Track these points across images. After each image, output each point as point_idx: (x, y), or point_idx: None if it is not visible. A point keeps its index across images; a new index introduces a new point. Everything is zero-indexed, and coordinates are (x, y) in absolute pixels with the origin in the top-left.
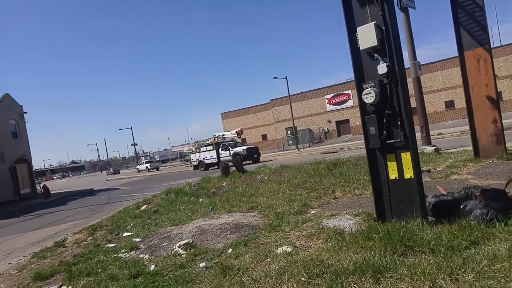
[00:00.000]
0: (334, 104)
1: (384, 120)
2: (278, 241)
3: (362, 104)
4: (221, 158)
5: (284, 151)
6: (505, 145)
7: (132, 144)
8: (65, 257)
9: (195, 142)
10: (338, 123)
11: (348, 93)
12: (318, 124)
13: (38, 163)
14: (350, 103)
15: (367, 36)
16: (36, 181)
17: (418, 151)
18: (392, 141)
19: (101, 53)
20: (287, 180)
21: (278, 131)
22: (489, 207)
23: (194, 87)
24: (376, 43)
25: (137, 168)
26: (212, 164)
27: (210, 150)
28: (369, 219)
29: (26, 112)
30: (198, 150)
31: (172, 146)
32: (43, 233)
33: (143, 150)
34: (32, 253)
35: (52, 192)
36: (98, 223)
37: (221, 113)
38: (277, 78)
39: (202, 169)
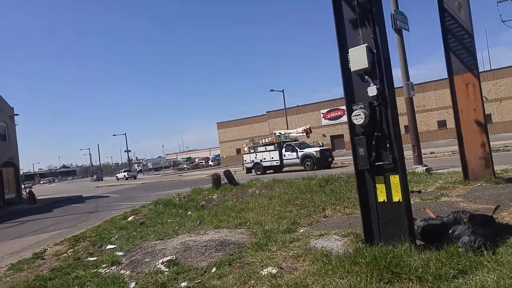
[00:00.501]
0: (329, 119)
1: (373, 142)
2: (264, 261)
3: (351, 125)
4: (285, 161)
5: None
6: (493, 168)
7: (125, 151)
8: (42, 270)
9: (249, 141)
10: (332, 137)
11: (343, 109)
12: (313, 138)
13: (27, 166)
14: (344, 118)
15: (358, 58)
16: (23, 186)
17: (410, 170)
18: (381, 163)
19: (97, 56)
20: (277, 196)
21: None
22: (477, 234)
23: (190, 96)
24: (367, 66)
25: (116, 176)
26: (272, 167)
27: (271, 150)
28: (357, 240)
29: (17, 114)
30: (254, 150)
31: (166, 154)
32: (23, 242)
33: (136, 157)
34: (9, 265)
35: (39, 198)
36: (82, 233)
37: (217, 123)
38: (274, 90)
39: (259, 172)
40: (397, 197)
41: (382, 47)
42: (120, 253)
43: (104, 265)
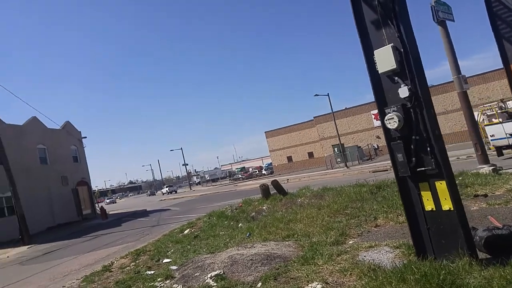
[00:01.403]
0: None
1: (412, 146)
2: (309, 276)
3: (386, 130)
4: None
5: (332, 169)
6: None
7: (183, 164)
8: (109, 282)
9: (498, 102)
10: None
11: None
12: (366, 140)
13: (100, 184)
14: None
15: (385, 59)
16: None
17: (474, 171)
18: (423, 168)
19: (154, 76)
20: (326, 205)
21: (325, 148)
22: None
23: (239, 107)
24: (395, 66)
25: (161, 192)
26: None
27: None
28: (409, 253)
29: (85, 137)
30: (506, 118)
31: (221, 165)
32: (96, 255)
33: (195, 170)
34: (84, 277)
35: (110, 213)
36: (143, 247)
37: (265, 132)
38: (318, 95)
39: None
40: (446, 205)
41: (410, 45)
42: (174, 267)
43: (159, 279)
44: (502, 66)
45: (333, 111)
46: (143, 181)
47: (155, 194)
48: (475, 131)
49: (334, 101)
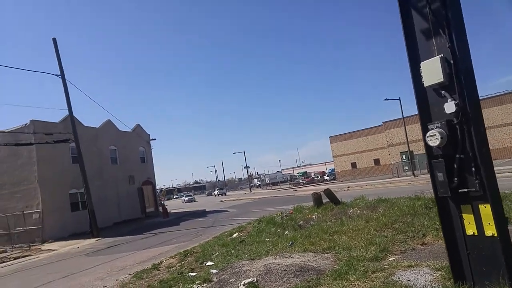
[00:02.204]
0: None
1: (455, 165)
2: None
3: (428, 147)
4: None
5: (398, 177)
6: None
7: (244, 167)
8: (155, 280)
9: None
10: None
11: None
12: None
13: (167, 183)
14: None
15: (432, 71)
16: (162, 200)
17: None
18: (466, 190)
19: (201, 80)
20: (375, 218)
21: (392, 155)
22: None
23: (304, 111)
24: (442, 79)
25: (214, 194)
26: None
27: None
28: (450, 277)
29: (154, 139)
30: None
31: (283, 169)
32: (150, 253)
33: (257, 172)
34: (135, 273)
35: (172, 211)
36: (192, 248)
37: (329, 137)
38: (388, 99)
39: None
40: (490, 230)
41: (462, 56)
42: (214, 271)
43: (198, 282)
44: None
45: (405, 116)
46: (208, 181)
47: (212, 195)
48: None
49: (407, 106)
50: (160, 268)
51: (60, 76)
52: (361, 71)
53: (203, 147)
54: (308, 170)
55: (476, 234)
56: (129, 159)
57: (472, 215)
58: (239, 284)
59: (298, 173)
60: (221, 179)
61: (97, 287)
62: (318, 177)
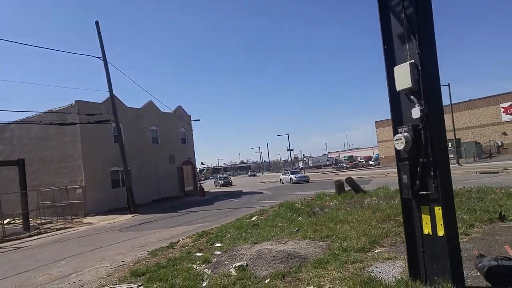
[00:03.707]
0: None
1: (418, 168)
2: (311, 279)
3: (396, 149)
4: None
5: None
6: None
7: (287, 150)
8: (165, 258)
9: None
10: None
11: None
12: (489, 136)
13: (214, 162)
14: None
15: (403, 76)
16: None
17: None
18: (425, 192)
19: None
20: (382, 209)
21: None
22: None
23: (355, 92)
24: (411, 85)
25: (248, 175)
26: None
27: None
28: None
29: (198, 120)
30: None
31: (329, 152)
32: (175, 231)
33: (303, 154)
34: (153, 250)
35: (212, 191)
36: (210, 230)
37: (375, 122)
38: None
39: None
40: (441, 231)
41: (428, 64)
42: (218, 253)
43: (198, 262)
44: None
45: (454, 102)
46: (254, 161)
47: (255, 175)
48: None
49: (459, 91)
50: (175, 247)
51: (102, 59)
52: None
53: (252, 128)
54: (355, 154)
55: (431, 233)
56: (170, 140)
57: (429, 216)
58: (231, 267)
59: (344, 157)
60: (266, 160)
61: (116, 261)
62: (362, 161)
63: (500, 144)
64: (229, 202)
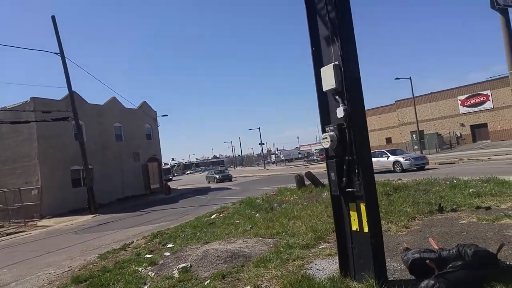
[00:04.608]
0: (468, 106)
1: (345, 166)
2: (250, 278)
3: (326, 148)
4: None
5: None
6: None
7: (259, 144)
8: (113, 261)
9: None
10: (473, 127)
11: (487, 94)
12: (449, 128)
13: (185, 157)
14: (488, 104)
15: (328, 77)
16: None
17: (505, 178)
18: (351, 189)
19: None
20: None
21: (403, 134)
22: (444, 278)
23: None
24: (335, 85)
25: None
26: None
27: None
28: None
29: (166, 115)
30: None
31: (301, 145)
32: (132, 232)
33: (277, 148)
34: (104, 253)
35: (180, 187)
36: (166, 230)
37: None
38: (399, 79)
39: None
40: (366, 227)
41: (350, 65)
42: (167, 254)
43: (145, 264)
44: None
45: (417, 95)
46: (227, 156)
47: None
48: None
49: (422, 84)
50: (127, 249)
51: (59, 54)
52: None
53: (225, 122)
54: None
55: (358, 230)
56: (134, 136)
57: (356, 213)
58: (175, 268)
59: (315, 149)
60: (239, 155)
61: (62, 266)
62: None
63: (459, 135)
64: (194, 200)
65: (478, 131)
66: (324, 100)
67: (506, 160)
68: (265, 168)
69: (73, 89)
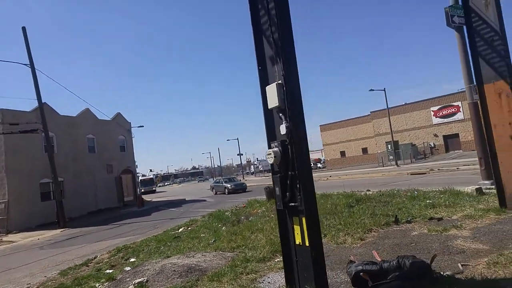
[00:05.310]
0: (441, 117)
1: (288, 181)
2: None
3: (271, 164)
4: None
5: (383, 166)
6: None
7: (237, 154)
8: (73, 278)
9: None
10: (446, 137)
11: (458, 105)
12: (423, 138)
13: (163, 168)
14: (459, 115)
15: (272, 95)
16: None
17: (460, 189)
18: (294, 204)
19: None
20: None
21: (379, 144)
22: None
23: (306, 96)
24: (278, 104)
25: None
26: None
27: None
28: None
29: (142, 126)
30: None
31: None
32: (99, 246)
33: (257, 158)
34: (66, 268)
35: (155, 200)
36: (132, 244)
37: (320, 126)
38: (373, 90)
39: None
40: (308, 241)
41: (291, 85)
42: (128, 269)
43: (103, 280)
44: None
45: (392, 106)
46: (206, 167)
47: (204, 181)
48: (482, 146)
49: (397, 96)
50: (89, 264)
51: (29, 66)
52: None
53: (204, 133)
54: None
55: (301, 243)
56: (108, 148)
57: (299, 227)
58: (130, 284)
59: None
60: (218, 165)
61: (21, 284)
62: (311, 164)
63: (433, 145)
64: (166, 213)
65: (451, 141)
66: (270, 117)
67: (473, 170)
68: (243, 179)
69: (44, 101)
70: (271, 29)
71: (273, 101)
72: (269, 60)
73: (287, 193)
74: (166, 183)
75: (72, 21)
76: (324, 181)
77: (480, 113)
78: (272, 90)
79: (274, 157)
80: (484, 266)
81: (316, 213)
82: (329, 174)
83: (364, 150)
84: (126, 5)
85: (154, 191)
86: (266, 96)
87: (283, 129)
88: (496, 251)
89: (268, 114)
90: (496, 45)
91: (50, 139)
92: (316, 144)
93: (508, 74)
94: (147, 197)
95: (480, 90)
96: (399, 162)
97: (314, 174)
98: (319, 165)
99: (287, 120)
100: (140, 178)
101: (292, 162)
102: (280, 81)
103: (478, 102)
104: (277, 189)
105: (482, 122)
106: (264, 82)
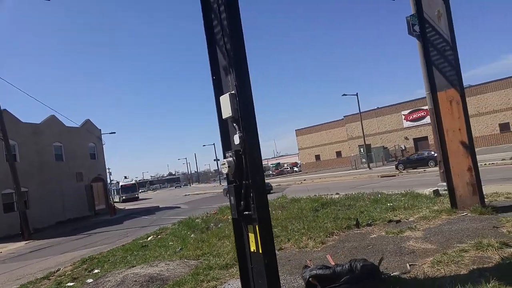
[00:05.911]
0: (411, 121)
1: (243, 190)
2: None
3: (226, 173)
4: None
5: (356, 169)
6: (481, 195)
7: (214, 160)
8: None
9: None
10: (415, 140)
11: (426, 109)
12: (394, 141)
13: (139, 175)
14: (428, 119)
15: (226, 105)
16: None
17: (420, 191)
18: (248, 212)
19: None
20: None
21: (352, 148)
22: None
23: (280, 104)
24: (231, 114)
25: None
26: None
27: None
28: None
29: (114, 132)
30: None
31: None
32: (64, 258)
33: None
34: (26, 283)
35: (128, 207)
36: (96, 255)
37: (295, 130)
38: (346, 95)
39: None
40: (261, 248)
41: (244, 95)
42: (90, 281)
43: None
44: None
45: (365, 110)
46: (183, 173)
47: (181, 187)
48: (441, 150)
49: (371, 100)
50: (51, 278)
51: None
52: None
53: (179, 138)
54: (282, 161)
55: (255, 250)
56: (77, 156)
57: (253, 234)
58: None
59: (271, 164)
60: (195, 171)
61: None
62: (288, 168)
63: (404, 148)
64: (139, 220)
65: (420, 144)
66: (225, 127)
67: (438, 172)
68: (220, 184)
69: (3, 108)
70: (224, 39)
71: (226, 111)
72: (223, 70)
73: (242, 202)
74: (140, 190)
75: (34, 22)
76: (298, 185)
77: (434, 119)
78: (225, 100)
79: (228, 167)
80: (428, 265)
81: (269, 221)
82: (304, 177)
83: (338, 154)
84: (95, 7)
85: (137, 198)
86: (220, 106)
87: (236, 139)
88: (441, 250)
89: (223, 123)
90: (447, 55)
91: (11, 147)
92: (292, 148)
93: (458, 83)
94: (129, 205)
95: (434, 98)
96: (371, 164)
97: (289, 178)
98: (295, 169)
99: (240, 130)
100: (120, 184)
101: (247, 172)
102: (233, 91)
103: (433, 108)
104: (232, 198)
105: (436, 128)
106: (219, 91)
